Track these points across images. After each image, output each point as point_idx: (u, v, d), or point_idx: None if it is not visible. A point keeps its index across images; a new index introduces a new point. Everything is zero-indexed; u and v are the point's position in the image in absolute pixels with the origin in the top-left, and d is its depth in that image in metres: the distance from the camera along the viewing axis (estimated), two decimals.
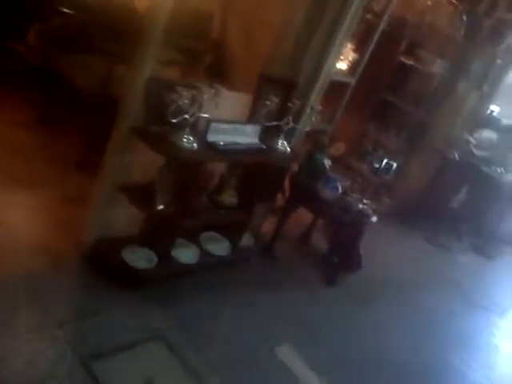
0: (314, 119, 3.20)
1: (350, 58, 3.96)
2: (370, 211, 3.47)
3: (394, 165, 5.35)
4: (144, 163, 2.72)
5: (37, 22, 4.29)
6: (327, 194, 3.35)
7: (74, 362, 2.22)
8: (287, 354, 2.81)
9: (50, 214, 3.03)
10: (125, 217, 2.86)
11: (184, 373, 2.42)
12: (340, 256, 3.65)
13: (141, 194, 2.68)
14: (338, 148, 5.61)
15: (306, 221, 4.01)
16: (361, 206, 3.43)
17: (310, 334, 3.06)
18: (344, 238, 3.52)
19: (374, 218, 3.50)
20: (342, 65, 4.06)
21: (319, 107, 3.24)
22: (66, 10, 3.91)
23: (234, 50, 3.81)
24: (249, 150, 2.89)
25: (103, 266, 2.77)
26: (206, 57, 3.86)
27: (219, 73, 3.73)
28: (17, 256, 2.67)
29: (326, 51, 3.14)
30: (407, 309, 3.78)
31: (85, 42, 3.88)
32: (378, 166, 5.37)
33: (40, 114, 3.94)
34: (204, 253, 3.10)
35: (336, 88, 3.78)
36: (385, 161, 5.38)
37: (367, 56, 3.96)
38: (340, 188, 3.41)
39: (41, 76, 4.06)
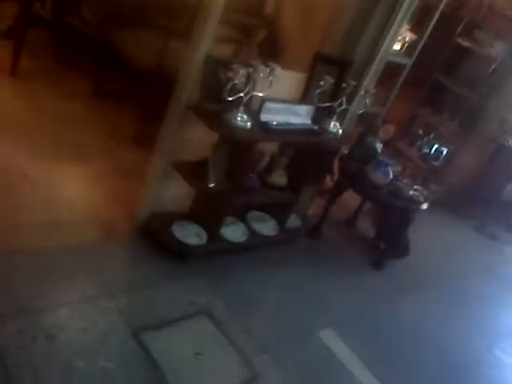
0: (367, 101, 3.14)
1: (407, 39, 3.85)
2: (421, 198, 3.41)
3: (445, 150, 5.22)
4: (198, 140, 2.74)
5: None
6: (378, 177, 3.30)
7: (126, 332, 2.28)
8: (331, 338, 2.81)
9: (104, 186, 3.09)
10: (177, 192, 2.90)
11: (230, 349, 2.45)
12: (387, 241, 3.60)
13: (194, 171, 2.70)
14: (387, 131, 5.52)
15: (352, 204, 3.98)
16: (412, 192, 3.37)
17: (354, 318, 3.05)
18: (393, 224, 3.47)
19: (425, 205, 3.43)
20: (397, 45, 3.95)
21: (374, 89, 3.18)
22: None
23: (288, 26, 3.75)
24: (301, 131, 2.86)
25: (155, 240, 2.82)
26: (259, 33, 3.82)
27: (272, 50, 3.69)
28: (72, 228, 2.75)
29: (384, 32, 3.06)
30: (452, 297, 3.73)
31: (139, 16, 3.89)
32: (427, 151, 5.25)
33: (95, 86, 4.00)
34: (252, 232, 3.12)
35: (391, 69, 3.69)
36: (435, 146, 5.26)
37: (425, 37, 3.85)
38: (391, 173, 3.34)
39: (96, 50, 4.12)
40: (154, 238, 2.83)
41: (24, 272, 2.37)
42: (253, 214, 3.26)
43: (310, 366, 2.59)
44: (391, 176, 3.33)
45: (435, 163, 5.16)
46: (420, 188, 3.47)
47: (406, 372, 2.84)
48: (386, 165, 3.31)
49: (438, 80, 5.06)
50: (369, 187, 3.35)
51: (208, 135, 2.67)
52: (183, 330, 2.46)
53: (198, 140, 2.74)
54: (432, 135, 5.28)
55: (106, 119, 3.75)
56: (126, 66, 3.66)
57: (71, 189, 2.98)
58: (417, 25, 3.84)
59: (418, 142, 5.30)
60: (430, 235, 4.42)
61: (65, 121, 3.53)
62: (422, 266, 3.90)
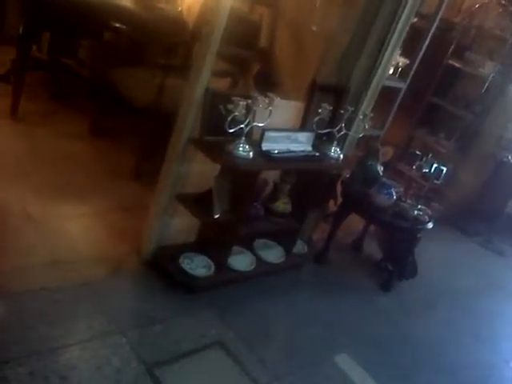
0: (366, 126, 3.19)
1: (400, 63, 3.92)
2: (425, 217, 3.42)
3: (445, 169, 5.26)
4: (200, 173, 2.77)
5: (87, 38, 4.44)
6: (382, 200, 3.32)
7: (139, 368, 2.26)
8: (346, 363, 2.78)
9: (108, 223, 3.10)
10: (182, 224, 2.92)
11: (246, 379, 2.43)
12: (395, 262, 3.60)
13: (198, 203, 2.72)
14: (386, 153, 5.54)
15: (357, 227, 3.99)
16: (416, 212, 3.38)
17: (366, 342, 3.02)
18: (400, 245, 3.47)
19: (430, 225, 3.44)
20: (391, 69, 4.03)
21: (371, 114, 3.23)
22: (117, 25, 4.00)
23: (282, 58, 3.83)
24: (302, 158, 2.89)
25: (163, 274, 2.82)
26: (254, 66, 3.90)
27: (268, 82, 3.76)
28: (78, 266, 2.74)
29: (378, 57, 3.13)
30: (463, 315, 3.70)
31: (136, 55, 3.98)
32: (427, 170, 5.30)
33: (93, 125, 4.05)
34: (259, 260, 3.12)
35: (387, 93, 3.75)
36: (435, 165, 5.30)
37: (418, 60, 3.93)
38: (394, 194, 3.36)
39: (93, 89, 4.19)
40: (161, 271, 2.83)
41: (33, 313, 2.36)
42: (259, 242, 3.27)
43: None
44: (395, 197, 3.35)
45: (436, 182, 5.23)
46: (424, 208, 3.48)
47: None
48: (389, 187, 3.33)
49: (432, 101, 5.13)
50: (373, 210, 3.36)
51: (210, 167, 2.70)
52: (197, 363, 2.44)
53: (201, 172, 2.77)
54: (430, 155, 5.36)
55: (105, 157, 3.78)
56: (123, 104, 3.72)
57: (75, 227, 2.99)
58: (409, 49, 3.92)
59: (418, 163, 5.37)
60: (437, 254, 4.42)
61: (64, 160, 3.57)
62: (430, 286, 3.88)
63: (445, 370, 3.03)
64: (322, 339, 2.91)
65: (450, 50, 4.91)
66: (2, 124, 3.74)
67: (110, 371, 2.21)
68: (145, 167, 3.57)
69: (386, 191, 3.31)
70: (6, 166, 3.24)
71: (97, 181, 3.48)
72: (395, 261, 3.58)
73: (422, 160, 5.35)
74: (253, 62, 3.92)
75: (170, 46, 3.96)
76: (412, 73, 3.99)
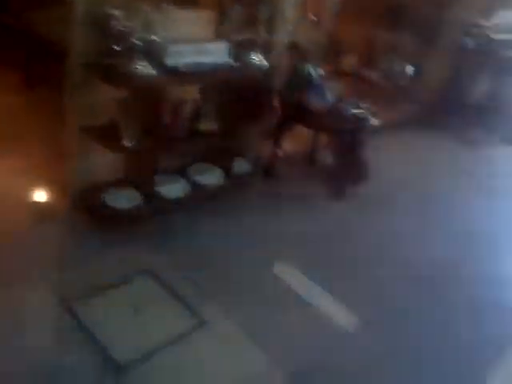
0: (290, 28, 2.97)
1: None
2: (367, 115, 3.23)
3: (410, 68, 5.02)
4: (108, 101, 2.60)
5: None
6: (316, 102, 3.13)
7: (58, 306, 2.22)
8: (285, 271, 2.72)
9: (39, 172, 2.97)
10: (107, 160, 2.78)
11: (174, 302, 2.38)
12: (344, 167, 3.43)
13: (107, 133, 2.57)
14: (349, 61, 5.33)
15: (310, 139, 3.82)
16: (355, 110, 3.19)
17: (315, 249, 2.94)
18: (343, 147, 3.29)
19: (375, 121, 3.25)
20: None
21: (311, 16, 2.99)
22: None
23: None
24: (216, 70, 2.70)
25: (90, 213, 2.73)
26: None
27: None
28: (6, 214, 2.66)
29: None
30: (421, 210, 3.57)
31: None
32: (392, 71, 5.08)
33: (25, 76, 3.90)
34: (193, 185, 3.00)
35: None
36: (399, 65, 5.07)
37: None
38: (329, 95, 3.17)
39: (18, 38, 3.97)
40: (88, 210, 2.74)
41: None
42: (196, 167, 3.13)
43: (262, 303, 2.50)
44: (329, 99, 3.16)
45: (403, 81, 5.02)
46: (366, 106, 3.28)
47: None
48: (322, 88, 3.14)
49: None
50: (310, 115, 3.19)
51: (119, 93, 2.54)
52: (123, 292, 2.39)
53: (110, 100, 2.60)
54: (394, 55, 5.12)
55: (39, 106, 3.61)
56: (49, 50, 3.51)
57: (3, 178, 2.89)
58: None
59: (382, 65, 5.15)
60: (402, 154, 4.30)
61: None
62: (391, 187, 3.73)
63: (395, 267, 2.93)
64: (261, 252, 2.80)
65: None
66: None
67: (29, 313, 2.18)
68: None
69: (319, 93, 3.12)
70: None
71: (30, 131, 3.33)
72: (344, 164, 3.41)
73: (386, 61, 5.14)
74: None
75: None
76: None
